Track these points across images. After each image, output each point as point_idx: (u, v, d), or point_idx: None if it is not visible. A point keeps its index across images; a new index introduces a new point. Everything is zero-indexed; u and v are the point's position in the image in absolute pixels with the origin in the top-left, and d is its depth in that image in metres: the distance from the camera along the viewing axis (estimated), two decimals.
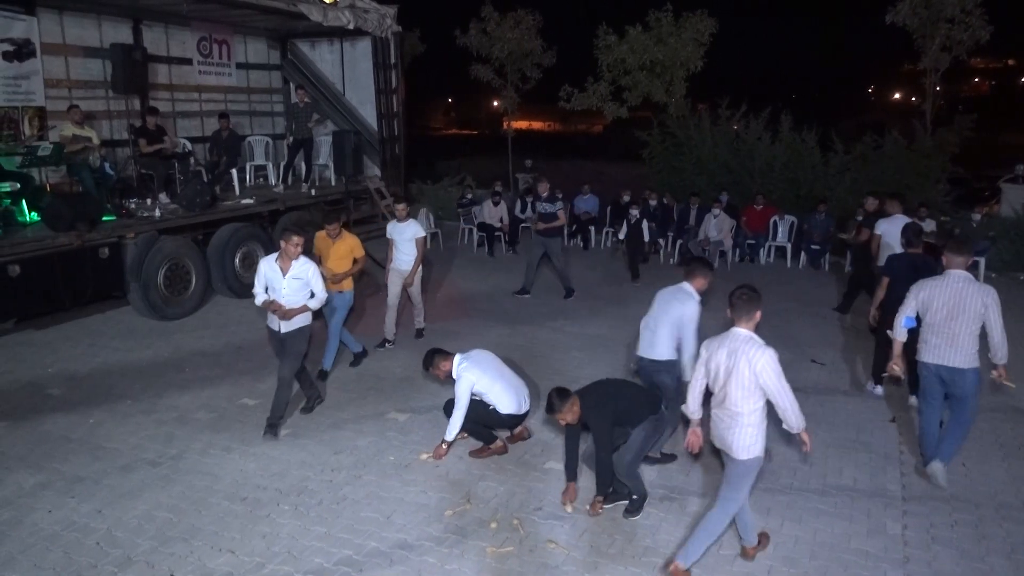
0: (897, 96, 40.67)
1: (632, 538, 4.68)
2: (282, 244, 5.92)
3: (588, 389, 5.08)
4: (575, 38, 19.15)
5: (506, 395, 5.70)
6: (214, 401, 6.79)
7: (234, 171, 11.83)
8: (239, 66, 13.77)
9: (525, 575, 4.32)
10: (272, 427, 6.04)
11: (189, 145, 11.79)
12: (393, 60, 14.13)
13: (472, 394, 5.61)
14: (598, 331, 9.01)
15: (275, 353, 6.41)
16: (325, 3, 12.13)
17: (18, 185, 8.95)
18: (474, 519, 4.88)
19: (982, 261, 11.55)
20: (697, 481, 5.41)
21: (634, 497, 4.95)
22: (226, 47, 13.43)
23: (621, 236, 12.23)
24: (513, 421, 5.85)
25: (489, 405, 5.70)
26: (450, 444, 5.69)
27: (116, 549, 4.51)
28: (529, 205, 11.67)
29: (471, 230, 14.45)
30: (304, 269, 5.89)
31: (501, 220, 13.75)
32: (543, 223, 10.22)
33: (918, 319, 5.42)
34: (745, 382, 4.06)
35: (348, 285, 7.36)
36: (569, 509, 4.94)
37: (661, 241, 13.46)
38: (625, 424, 4.93)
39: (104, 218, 8.94)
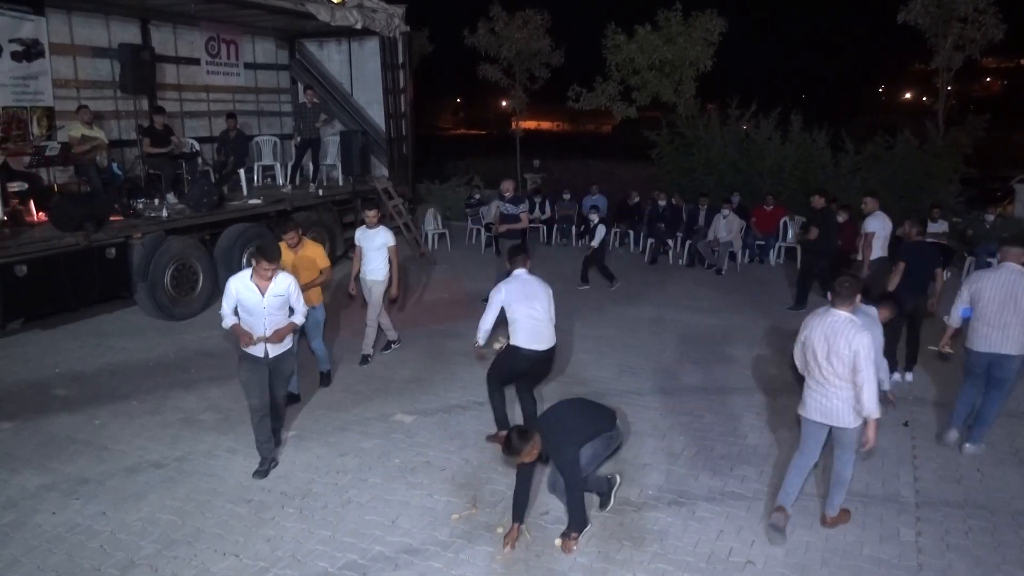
0: (908, 96, 40.43)
1: (640, 543, 4.61)
2: (254, 263, 5.43)
3: (548, 421, 4.79)
4: (584, 38, 19.06)
5: (524, 328, 5.57)
6: (220, 402, 6.75)
7: (242, 171, 11.82)
8: (247, 66, 13.75)
9: None
10: (264, 470, 5.45)
11: (197, 145, 11.78)
12: (401, 60, 14.08)
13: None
14: (605, 332, 8.94)
15: (246, 382, 5.40)
16: (333, 3, 12.09)
17: (26, 185, 8.97)
18: (480, 523, 4.82)
19: (995, 263, 11.39)
20: (705, 485, 5.33)
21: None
22: (234, 47, 13.42)
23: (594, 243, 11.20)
24: (528, 363, 5.69)
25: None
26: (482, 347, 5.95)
27: (119, 552, 4.48)
28: (494, 205, 10.27)
29: (479, 230, 14.40)
30: (284, 284, 5.29)
31: None
32: (504, 224, 9.49)
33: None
34: (845, 359, 4.41)
35: (315, 299, 6.62)
36: (507, 550, 4.49)
37: (670, 242, 13.38)
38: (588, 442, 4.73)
39: (111, 218, 8.93)
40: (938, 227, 12.09)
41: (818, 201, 9.98)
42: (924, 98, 29.91)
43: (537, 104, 21.58)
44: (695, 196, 13.88)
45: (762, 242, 13.12)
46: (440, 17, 20.55)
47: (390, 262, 7.51)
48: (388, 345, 8.12)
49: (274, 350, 5.36)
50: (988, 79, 48.75)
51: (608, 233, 11.45)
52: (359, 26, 12.51)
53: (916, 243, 7.28)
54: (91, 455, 5.71)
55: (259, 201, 10.93)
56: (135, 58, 10.58)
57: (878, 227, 8.65)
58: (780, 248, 13.11)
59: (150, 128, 10.40)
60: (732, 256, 12.64)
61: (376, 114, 14.25)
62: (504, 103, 22.14)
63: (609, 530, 4.75)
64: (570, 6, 21.16)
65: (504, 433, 5.08)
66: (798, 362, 4.81)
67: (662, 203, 13.52)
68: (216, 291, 9.83)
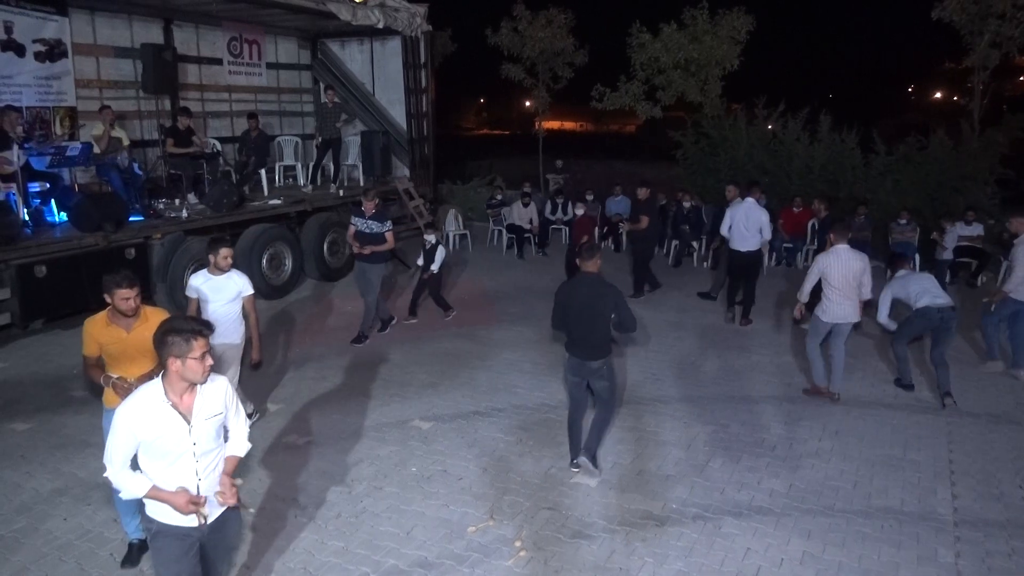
0: (938, 96, 39.53)
1: (664, 561, 4.43)
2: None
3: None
4: (608, 37, 18.84)
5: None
6: None
7: (263, 171, 11.78)
8: (269, 66, 13.73)
9: None
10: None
11: (219, 145, 11.76)
12: (423, 59, 13.97)
13: None
14: (627, 337, 8.74)
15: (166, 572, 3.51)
16: (354, 2, 12.02)
17: (47, 185, 8.97)
18: (498, 536, 4.67)
19: None
20: (731, 499, 5.14)
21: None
22: (256, 47, 13.40)
23: (420, 262, 9.55)
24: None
25: None
26: None
27: None
28: (358, 222, 8.29)
29: (500, 231, 14.25)
30: (220, 392, 3.22)
31: (531, 221, 13.56)
32: (368, 246, 8.11)
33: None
34: (852, 279, 6.53)
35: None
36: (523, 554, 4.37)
37: (695, 244, 13.14)
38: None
39: (131, 218, 8.91)
40: (973, 230, 11.73)
41: (643, 192, 10.46)
42: (955, 97, 29.16)
43: (561, 104, 21.38)
44: (721, 198, 13.60)
45: (789, 245, 12.83)
46: (463, 16, 20.44)
47: (246, 318, 5.82)
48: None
49: (212, 510, 3.23)
50: (1023, 78, 47.59)
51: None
52: (381, 25, 12.42)
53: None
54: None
55: (279, 201, 10.88)
56: (157, 58, 10.57)
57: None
58: (808, 251, 12.81)
59: (173, 128, 10.39)
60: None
61: (398, 114, 14.18)
62: (527, 103, 21.95)
63: (631, 545, 4.57)
64: (594, 5, 20.94)
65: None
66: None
67: (687, 204, 13.28)
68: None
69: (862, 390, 7.17)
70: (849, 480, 5.42)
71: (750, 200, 9.25)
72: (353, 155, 13.61)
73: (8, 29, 9.38)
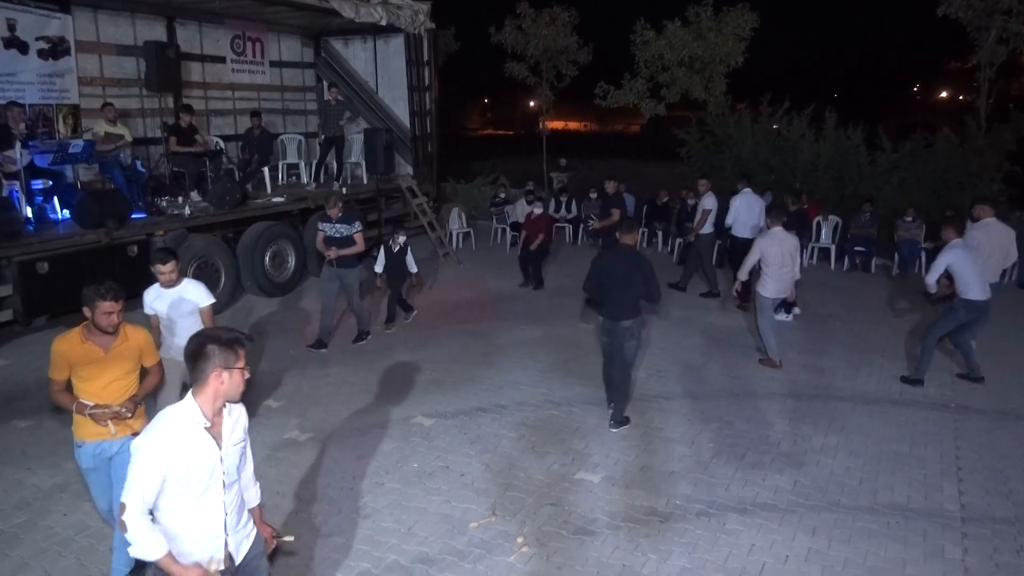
0: (944, 95, 39.31)
1: (668, 557, 4.39)
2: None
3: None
4: (612, 34, 18.78)
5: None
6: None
7: (266, 169, 11.76)
8: (272, 64, 13.73)
9: None
10: None
11: (222, 143, 11.74)
12: (426, 57, 13.95)
13: None
14: None
15: None
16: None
17: (50, 182, 8.96)
18: (499, 532, 4.63)
19: None
20: (736, 496, 5.09)
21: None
22: (259, 45, 13.39)
23: (378, 268, 8.82)
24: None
25: None
26: None
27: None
28: (326, 227, 8.07)
29: (504, 230, 14.21)
30: (237, 415, 2.88)
31: None
32: (336, 249, 7.86)
33: None
34: (788, 257, 7.33)
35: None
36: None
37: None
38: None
39: (134, 216, 8.89)
40: None
41: (611, 186, 10.74)
42: (961, 97, 28.97)
43: (565, 103, 21.26)
44: (725, 195, 13.53)
45: None
46: (467, 15, 20.37)
47: None
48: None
49: (239, 549, 2.91)
50: None
51: (402, 258, 8.78)
52: (384, 22, 12.40)
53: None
54: None
55: (282, 199, 10.85)
56: (160, 56, 10.51)
57: (711, 205, 10.31)
58: (813, 249, 12.74)
59: (175, 125, 10.37)
60: None
61: (401, 112, 14.16)
62: (532, 104, 21.90)
63: (635, 542, 4.53)
64: (598, 3, 20.76)
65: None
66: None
67: (691, 202, 13.21)
68: (238, 290, 9.78)
69: (868, 387, 7.11)
70: (855, 477, 5.36)
71: (748, 191, 10.18)
72: (356, 153, 13.59)
73: (11, 26, 9.39)
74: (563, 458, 5.60)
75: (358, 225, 8.09)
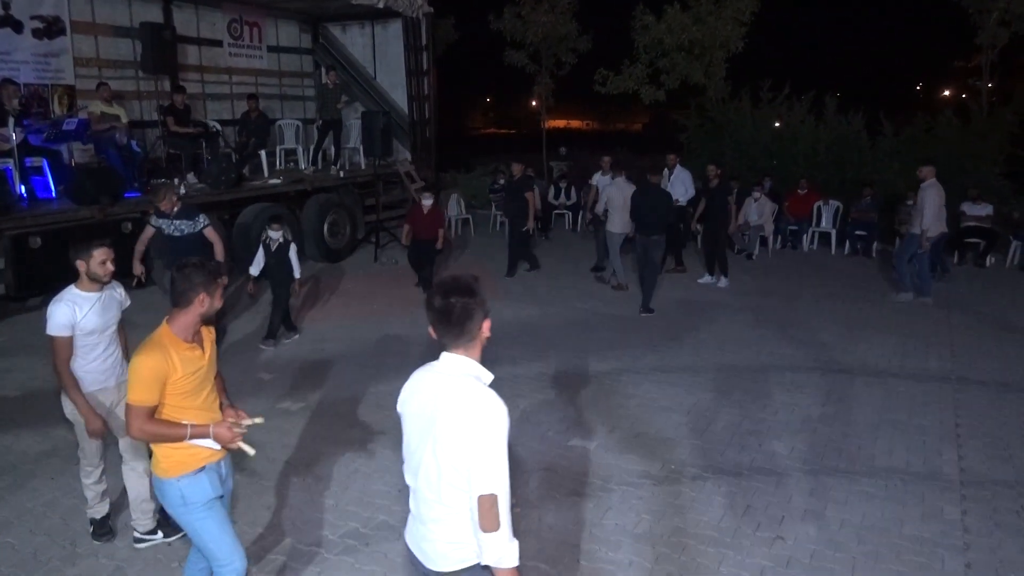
0: (947, 93, 39.04)
1: (661, 517, 4.32)
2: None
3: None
4: (611, 22, 18.67)
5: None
6: (229, 374, 6.49)
7: (263, 153, 11.69)
8: (270, 49, 13.63)
9: (544, 551, 4.00)
10: None
11: (218, 125, 11.68)
12: (424, 41, 13.84)
13: None
14: (627, 312, 8.64)
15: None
16: None
17: (44, 161, 8.90)
18: None
19: None
20: (732, 461, 5.02)
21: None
22: (257, 30, 13.31)
23: (254, 271, 7.26)
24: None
25: None
26: None
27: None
28: (163, 224, 6.75)
29: (502, 216, 14.13)
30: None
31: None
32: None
33: None
34: (626, 202, 8.99)
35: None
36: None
37: (699, 226, 12.97)
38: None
39: (128, 195, 8.83)
40: (981, 210, 11.57)
41: (518, 169, 10.71)
42: (964, 96, 28.74)
43: (565, 95, 21.09)
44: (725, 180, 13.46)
45: (795, 227, 12.69)
46: (465, 3, 20.24)
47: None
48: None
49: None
50: None
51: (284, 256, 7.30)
52: (381, 5, 12.33)
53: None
54: None
55: (279, 180, 10.79)
56: (156, 38, 10.46)
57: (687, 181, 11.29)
58: (814, 233, 12.66)
59: (171, 107, 10.32)
60: (763, 241, 12.25)
61: (400, 97, 14.07)
62: (534, 103, 21.81)
63: (628, 503, 4.46)
64: None
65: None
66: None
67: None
68: (234, 270, 9.69)
69: (868, 360, 7.04)
70: (853, 443, 5.29)
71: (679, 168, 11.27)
72: (354, 138, 13.51)
73: (6, 4, 9.32)
74: (557, 426, 5.54)
75: (203, 219, 6.67)
